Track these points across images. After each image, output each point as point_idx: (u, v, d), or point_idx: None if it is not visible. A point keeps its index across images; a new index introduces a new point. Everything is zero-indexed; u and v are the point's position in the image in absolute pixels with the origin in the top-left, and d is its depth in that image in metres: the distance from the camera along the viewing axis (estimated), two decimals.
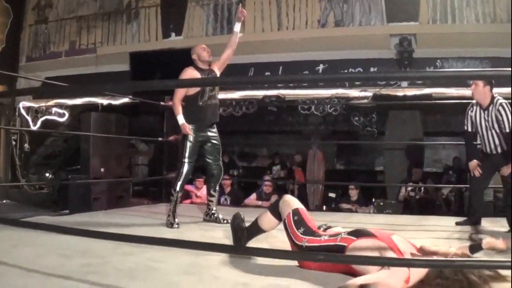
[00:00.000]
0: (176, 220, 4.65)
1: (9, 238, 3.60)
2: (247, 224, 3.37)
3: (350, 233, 2.81)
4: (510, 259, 2.02)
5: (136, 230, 4.24)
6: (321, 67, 8.95)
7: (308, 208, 3.28)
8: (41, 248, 3.36)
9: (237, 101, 9.56)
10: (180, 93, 4.70)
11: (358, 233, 2.78)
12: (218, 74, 4.95)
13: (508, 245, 2.53)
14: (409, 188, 8.23)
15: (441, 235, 4.39)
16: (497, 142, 4.66)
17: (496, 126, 4.61)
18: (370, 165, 12.17)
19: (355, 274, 2.69)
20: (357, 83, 8.58)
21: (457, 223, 4.91)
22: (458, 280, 2.40)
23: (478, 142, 4.91)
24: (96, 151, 7.92)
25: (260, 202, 8.15)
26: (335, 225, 3.43)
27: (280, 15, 9.10)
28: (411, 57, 8.26)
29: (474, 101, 4.83)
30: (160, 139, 7.57)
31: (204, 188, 7.22)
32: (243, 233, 3.33)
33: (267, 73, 9.06)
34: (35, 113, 11.45)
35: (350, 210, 7.71)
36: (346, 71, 8.55)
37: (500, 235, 3.48)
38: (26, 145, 11.45)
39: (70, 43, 11.16)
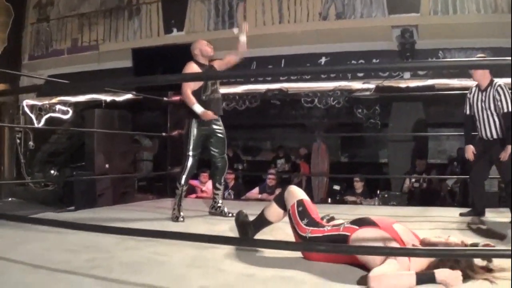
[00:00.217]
0: (182, 214, 4.67)
1: (15, 235, 3.63)
2: (251, 219, 3.38)
3: (352, 222, 2.82)
4: (510, 248, 2.04)
5: (141, 224, 4.26)
6: (323, 59, 8.95)
7: (313, 201, 3.28)
8: (47, 244, 3.38)
9: (240, 95, 9.57)
10: (189, 85, 4.71)
11: (360, 222, 2.79)
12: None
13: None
14: (413, 180, 8.24)
15: (445, 226, 4.39)
16: (492, 124, 4.66)
17: (492, 107, 4.61)
18: (375, 157, 12.14)
19: (359, 264, 2.71)
20: (360, 75, 8.58)
21: (461, 214, 4.91)
22: (459, 267, 2.42)
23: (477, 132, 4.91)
24: (100, 148, 7.94)
25: (260, 195, 8.18)
26: (339, 217, 3.43)
27: (281, 8, 9.09)
28: (413, 49, 8.24)
29: (474, 84, 4.86)
30: (163, 134, 7.58)
31: (209, 182, 7.25)
32: (250, 226, 3.33)
33: (269, 67, 9.04)
34: (39, 111, 11.49)
35: (354, 203, 7.72)
36: (348, 63, 8.55)
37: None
38: (31, 143, 11.49)
39: (72, 41, 11.17)
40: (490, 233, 3.77)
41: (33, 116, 11.46)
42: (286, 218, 3.18)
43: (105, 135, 7.99)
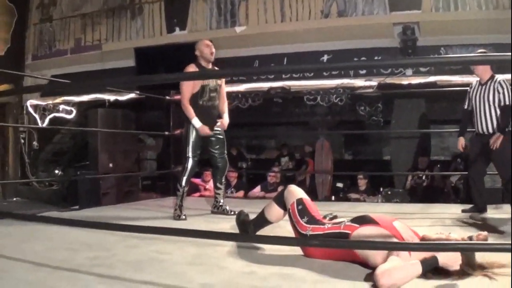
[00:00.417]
0: (183, 212, 4.70)
1: (18, 233, 3.67)
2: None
3: (353, 220, 2.84)
4: (510, 242, 2.05)
5: (144, 223, 4.25)
6: (325, 57, 8.93)
7: (317, 199, 3.31)
8: (50, 242, 3.42)
9: (242, 94, 9.57)
10: (186, 93, 4.71)
11: (361, 220, 2.80)
12: (220, 82, 4.96)
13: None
14: (415, 177, 8.24)
15: (447, 222, 4.40)
16: (488, 118, 4.67)
17: (491, 98, 4.62)
18: (378, 155, 12.14)
19: (360, 262, 2.73)
20: (362, 72, 8.57)
21: (463, 211, 4.92)
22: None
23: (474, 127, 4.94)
24: (104, 147, 7.98)
25: (261, 194, 8.20)
26: (342, 215, 3.43)
27: (283, 6, 9.08)
28: (415, 46, 8.21)
29: (475, 80, 4.89)
30: (166, 133, 7.61)
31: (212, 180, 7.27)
32: (250, 225, 3.35)
33: (272, 65, 9.06)
34: (43, 111, 11.51)
35: (358, 200, 7.73)
36: (350, 61, 8.54)
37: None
38: (35, 143, 11.52)
39: (75, 41, 11.19)
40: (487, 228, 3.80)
41: (37, 116, 11.48)
42: (287, 217, 3.20)
43: (108, 135, 8.02)
